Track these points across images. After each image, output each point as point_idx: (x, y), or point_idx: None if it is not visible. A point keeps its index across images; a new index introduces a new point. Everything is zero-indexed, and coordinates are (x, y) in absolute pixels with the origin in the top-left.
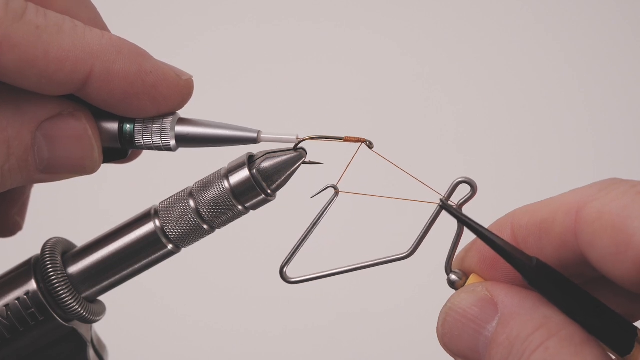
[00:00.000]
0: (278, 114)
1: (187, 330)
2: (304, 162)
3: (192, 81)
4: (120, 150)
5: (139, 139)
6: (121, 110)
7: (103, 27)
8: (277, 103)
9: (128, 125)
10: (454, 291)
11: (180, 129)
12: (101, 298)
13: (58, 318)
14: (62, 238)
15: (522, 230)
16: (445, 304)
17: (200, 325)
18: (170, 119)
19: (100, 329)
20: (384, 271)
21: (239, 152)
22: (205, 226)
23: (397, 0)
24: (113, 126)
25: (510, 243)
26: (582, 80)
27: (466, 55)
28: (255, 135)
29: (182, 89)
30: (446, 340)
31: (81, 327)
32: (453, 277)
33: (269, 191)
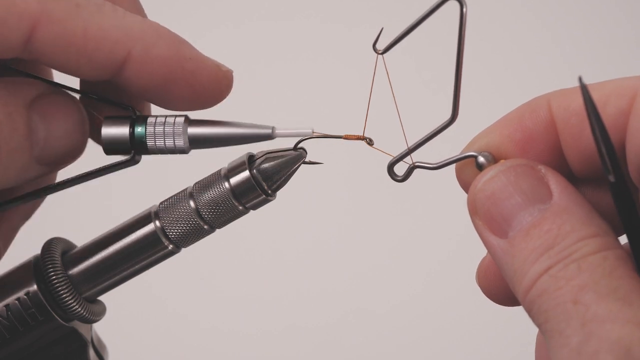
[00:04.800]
0: (276, 115)
1: (187, 329)
2: (304, 162)
3: (232, 74)
4: (131, 157)
5: (151, 142)
6: (159, 98)
7: (144, 16)
8: (275, 103)
9: (139, 129)
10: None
11: (194, 130)
12: (101, 298)
13: (58, 318)
14: (62, 238)
15: (562, 112)
16: (504, 163)
17: (200, 324)
18: (182, 120)
19: (100, 329)
20: (387, 270)
21: (240, 151)
22: (205, 226)
23: (397, 1)
24: (124, 130)
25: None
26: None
27: (466, 55)
28: (269, 131)
29: (222, 79)
30: (481, 196)
31: (81, 327)
32: (481, 159)
33: (269, 191)
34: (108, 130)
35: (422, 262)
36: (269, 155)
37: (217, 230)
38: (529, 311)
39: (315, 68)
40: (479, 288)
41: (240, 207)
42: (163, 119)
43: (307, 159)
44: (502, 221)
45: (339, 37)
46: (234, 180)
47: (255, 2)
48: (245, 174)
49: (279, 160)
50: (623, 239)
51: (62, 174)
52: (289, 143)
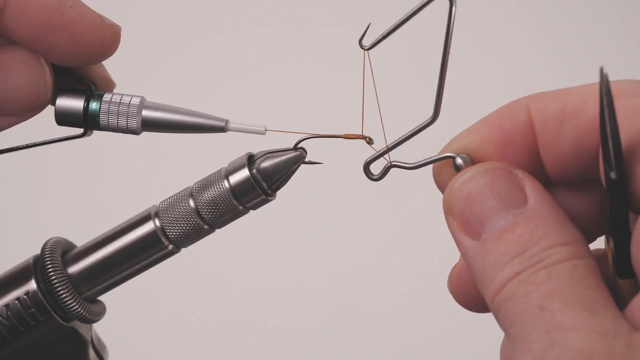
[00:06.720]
0: (277, 115)
1: (187, 329)
2: (304, 162)
3: (118, 29)
4: (82, 133)
5: (104, 120)
6: (40, 47)
7: None
8: (276, 103)
9: (94, 105)
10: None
11: (148, 113)
12: (101, 298)
13: (58, 318)
14: (62, 238)
15: (540, 115)
16: (482, 165)
17: (200, 324)
18: (137, 101)
19: (100, 329)
20: (382, 265)
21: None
22: (205, 226)
23: (394, 2)
24: (78, 104)
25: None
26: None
27: (463, 55)
28: (223, 124)
29: (105, 32)
30: (457, 196)
31: (81, 327)
32: (459, 160)
33: (269, 191)
34: (62, 102)
35: (417, 259)
36: (269, 155)
37: (217, 230)
38: (496, 314)
39: (306, 68)
40: None
41: (240, 207)
42: (119, 98)
43: (307, 159)
44: (476, 223)
45: (329, 37)
46: (234, 180)
47: (250, 4)
48: (245, 173)
49: (279, 160)
50: (598, 244)
51: (14, 141)
52: (288, 142)
